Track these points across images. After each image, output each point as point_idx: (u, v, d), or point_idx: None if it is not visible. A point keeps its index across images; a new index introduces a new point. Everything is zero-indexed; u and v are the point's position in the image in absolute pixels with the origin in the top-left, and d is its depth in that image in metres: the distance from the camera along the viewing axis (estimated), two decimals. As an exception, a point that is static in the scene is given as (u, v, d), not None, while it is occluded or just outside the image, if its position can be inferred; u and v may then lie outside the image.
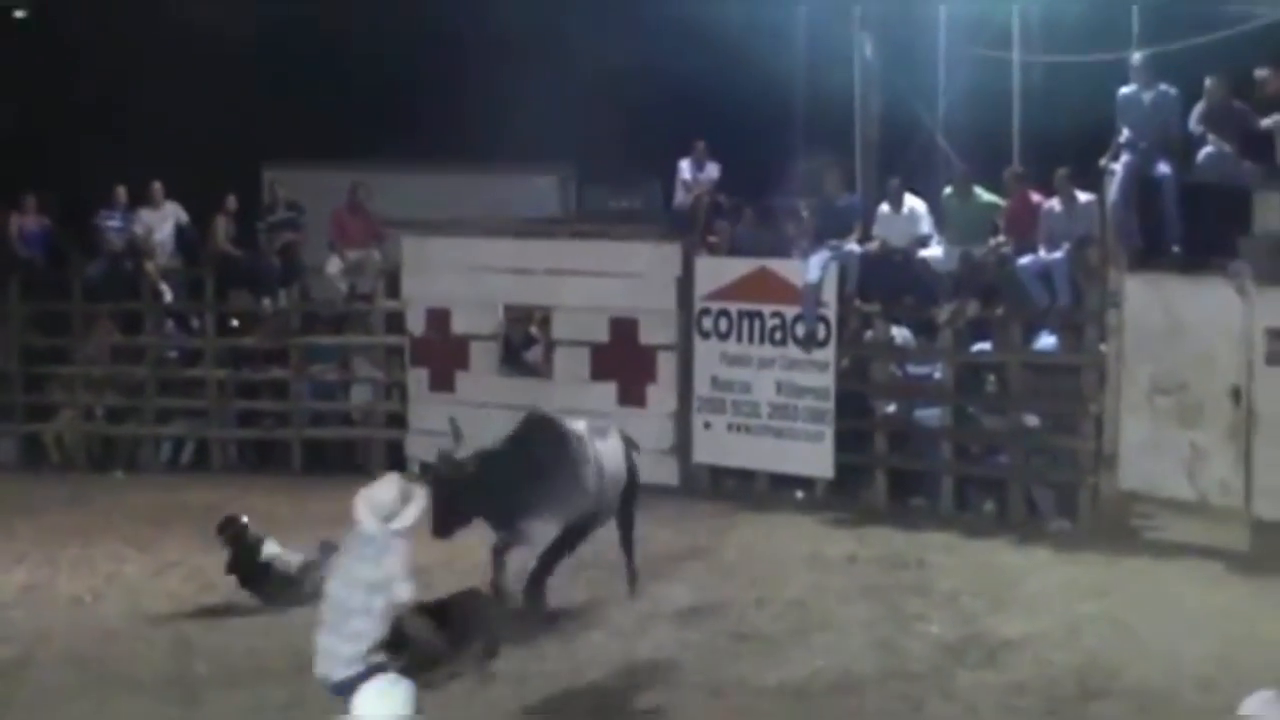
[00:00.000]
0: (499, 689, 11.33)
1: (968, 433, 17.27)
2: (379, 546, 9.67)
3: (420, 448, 19.21)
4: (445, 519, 12.33)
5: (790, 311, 17.59)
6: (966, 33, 19.06)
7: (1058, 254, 16.45)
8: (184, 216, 20.74)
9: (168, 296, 20.53)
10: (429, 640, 9.96)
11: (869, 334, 17.74)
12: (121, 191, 20.54)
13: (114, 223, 20.55)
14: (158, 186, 20.59)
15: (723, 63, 19.57)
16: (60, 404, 20.51)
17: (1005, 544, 15.76)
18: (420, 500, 9.84)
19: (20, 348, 20.50)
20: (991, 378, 17.35)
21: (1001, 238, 17.13)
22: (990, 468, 17.18)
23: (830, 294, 17.42)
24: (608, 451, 13.60)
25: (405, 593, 9.67)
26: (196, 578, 14.76)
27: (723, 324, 18.06)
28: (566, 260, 18.95)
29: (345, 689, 9.20)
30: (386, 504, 9.72)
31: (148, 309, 20.46)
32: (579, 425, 13.61)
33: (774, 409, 17.74)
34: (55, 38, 24.28)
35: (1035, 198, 17.05)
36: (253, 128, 22.47)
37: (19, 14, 25.38)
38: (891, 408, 17.63)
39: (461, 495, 12.56)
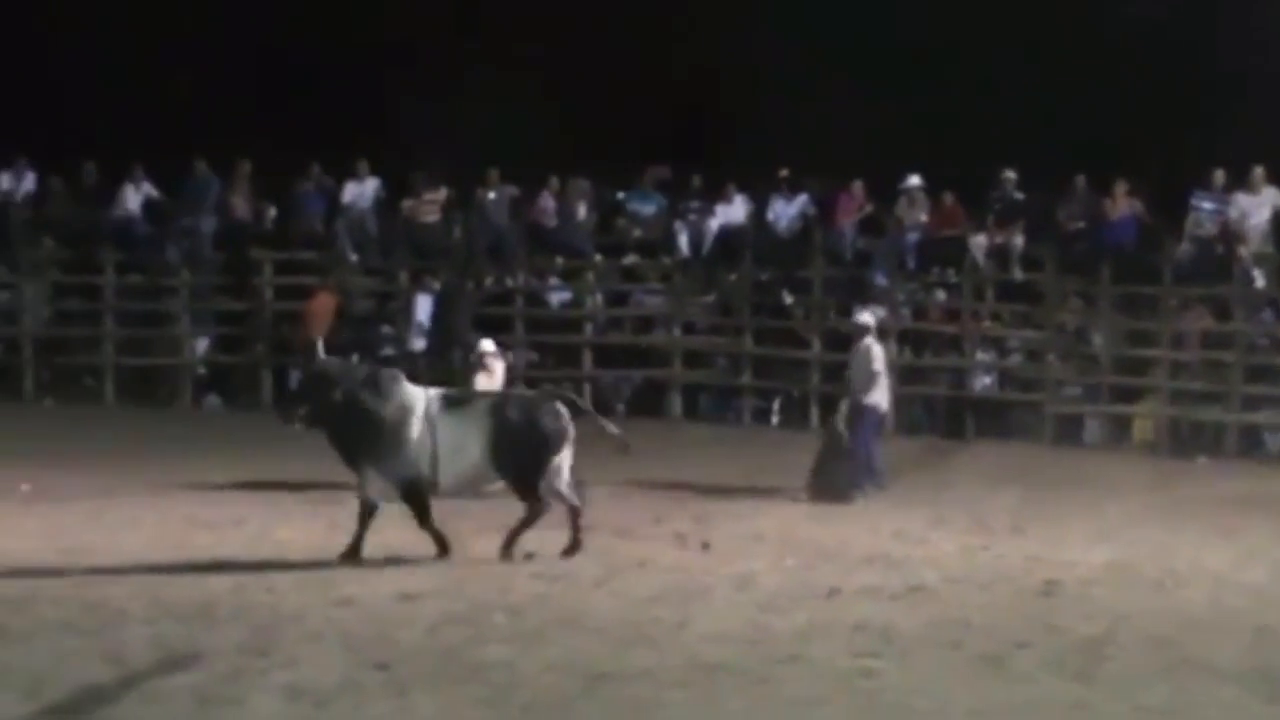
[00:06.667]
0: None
1: None
2: None
3: None
4: None
5: None
6: None
7: None
8: (1281, 201, 20.35)
9: (1260, 282, 20.17)
10: None
11: None
12: (1219, 174, 20.37)
13: (1208, 205, 20.41)
14: (1258, 171, 20.26)
15: None
16: (1148, 387, 20.63)
17: None
18: None
19: (1115, 331, 20.74)
20: None
21: None
22: None
23: None
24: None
25: None
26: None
27: None
28: None
29: None
30: None
31: (1239, 294, 20.17)
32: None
33: None
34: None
35: None
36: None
37: None
38: None
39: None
